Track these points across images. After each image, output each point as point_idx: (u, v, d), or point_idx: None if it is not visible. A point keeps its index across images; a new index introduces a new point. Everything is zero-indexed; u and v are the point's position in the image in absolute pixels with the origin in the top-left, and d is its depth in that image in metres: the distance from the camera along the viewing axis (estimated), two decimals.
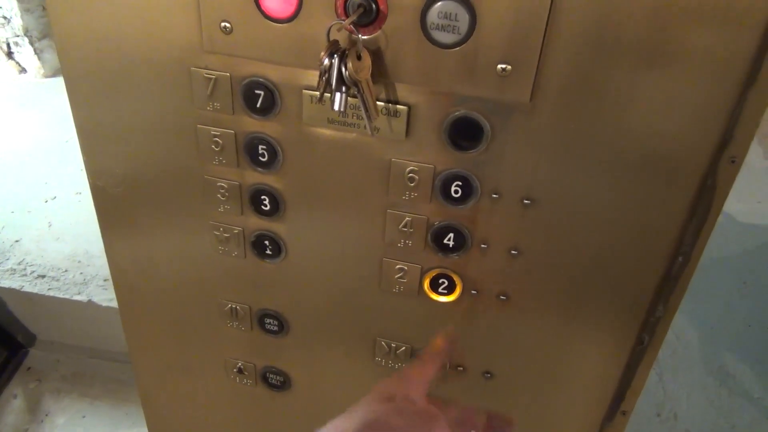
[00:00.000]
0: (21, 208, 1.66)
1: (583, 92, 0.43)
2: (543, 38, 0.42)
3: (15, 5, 2.00)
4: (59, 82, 2.19)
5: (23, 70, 2.20)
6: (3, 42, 2.12)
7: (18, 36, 2.09)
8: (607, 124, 0.44)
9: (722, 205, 0.45)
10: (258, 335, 0.65)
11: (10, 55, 2.15)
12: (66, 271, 1.50)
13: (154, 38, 0.50)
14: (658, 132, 0.44)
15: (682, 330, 1.55)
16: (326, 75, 0.44)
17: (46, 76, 2.19)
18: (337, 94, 0.44)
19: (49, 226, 1.62)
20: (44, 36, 2.14)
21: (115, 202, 0.60)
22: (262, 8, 0.46)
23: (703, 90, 0.41)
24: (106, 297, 1.43)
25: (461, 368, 0.60)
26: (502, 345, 0.57)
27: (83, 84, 0.54)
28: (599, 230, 0.49)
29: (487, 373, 0.60)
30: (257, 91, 0.50)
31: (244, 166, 0.54)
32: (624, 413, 0.58)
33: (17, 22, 2.05)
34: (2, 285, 1.46)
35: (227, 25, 0.47)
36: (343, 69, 0.43)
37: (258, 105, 0.50)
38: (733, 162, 0.44)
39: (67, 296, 1.43)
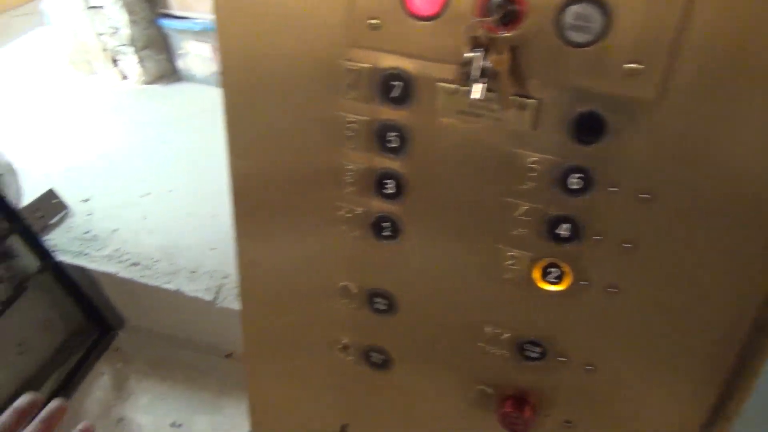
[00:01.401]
0: (119, 202, 1.80)
1: (711, 94, 0.46)
2: (674, 39, 0.45)
3: (124, 17, 2.18)
4: (158, 88, 2.36)
5: (125, 77, 2.37)
6: (110, 50, 2.31)
7: (124, 45, 2.27)
8: (732, 126, 0.47)
9: None
10: (366, 314, 0.69)
11: (115, 62, 2.34)
12: (157, 261, 1.60)
13: (305, 32, 0.56)
14: None
15: None
16: (467, 67, 0.49)
17: (146, 83, 2.36)
18: (477, 85, 0.48)
19: (144, 218, 1.74)
20: (146, 46, 2.31)
21: (251, 182, 0.66)
22: (409, 7, 0.51)
23: None
24: (192, 288, 1.52)
25: (563, 359, 0.62)
26: (608, 338, 0.59)
27: (237, 75, 0.61)
28: (716, 227, 0.51)
29: (590, 365, 0.62)
30: (395, 83, 0.55)
31: (373, 151, 0.59)
32: (728, 419, 0.59)
33: (124, 33, 2.23)
34: (100, 269, 1.57)
35: (375, 22, 0.53)
36: (485, 62, 0.48)
37: (394, 95, 0.56)
38: None
39: (157, 284, 1.53)
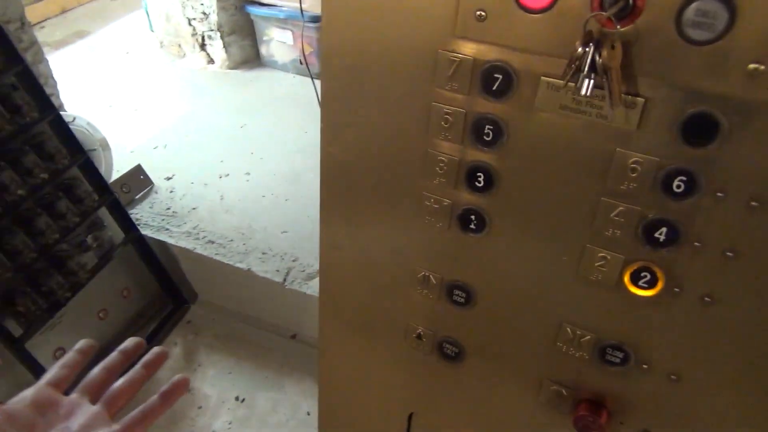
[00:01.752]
0: (199, 181, 1.87)
1: None
2: None
3: (214, 3, 2.26)
4: (240, 73, 2.44)
5: (211, 61, 2.47)
6: (199, 35, 2.40)
7: (212, 30, 2.36)
8: None
9: None
10: (443, 305, 0.70)
11: (203, 46, 2.43)
12: (232, 240, 1.66)
13: (410, 20, 0.57)
14: None
15: None
16: (577, 62, 0.48)
17: (230, 68, 2.45)
18: (587, 80, 0.47)
19: (221, 199, 1.81)
20: (233, 32, 2.39)
21: (341, 168, 0.68)
22: None
23: None
24: (262, 268, 1.57)
25: (646, 366, 0.61)
26: (697, 348, 0.57)
27: (338, 61, 0.62)
28: None
29: (674, 375, 0.60)
30: (496, 75, 0.55)
31: (467, 143, 0.60)
32: None
33: (213, 18, 2.32)
34: (178, 244, 1.65)
35: (482, 13, 0.53)
36: (597, 57, 0.47)
37: (494, 88, 0.56)
38: None
39: (231, 263, 1.59)
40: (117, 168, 1.80)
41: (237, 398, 1.55)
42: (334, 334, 0.81)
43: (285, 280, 1.53)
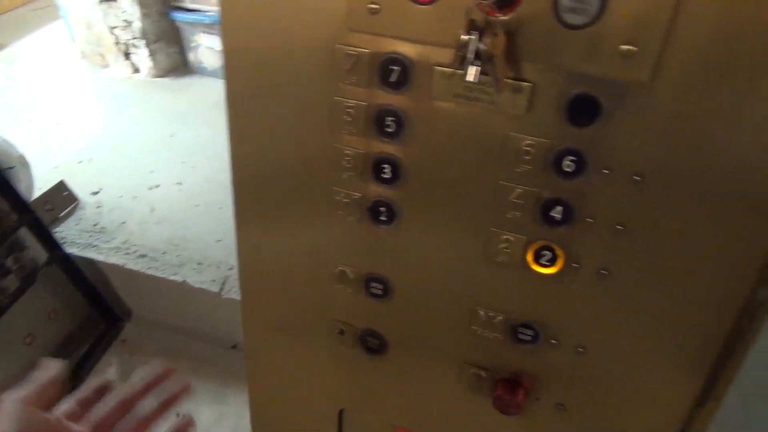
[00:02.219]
0: (128, 194, 1.82)
1: (705, 77, 0.47)
2: (670, 21, 0.46)
3: (137, 10, 2.20)
4: (168, 81, 2.39)
5: (137, 70, 2.40)
6: (123, 44, 2.33)
7: (136, 38, 2.30)
8: (723, 109, 0.47)
9: None
10: (362, 299, 0.70)
11: (127, 55, 2.36)
12: (164, 252, 1.62)
13: (305, 17, 0.57)
14: None
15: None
16: (463, 50, 0.50)
17: (156, 76, 2.39)
18: (472, 67, 0.49)
19: (152, 211, 1.76)
20: (158, 39, 2.34)
21: (252, 168, 0.68)
22: None
23: None
24: (198, 279, 1.53)
25: (555, 341, 0.63)
26: (599, 320, 0.60)
27: (239, 61, 0.62)
28: (707, 210, 0.51)
29: (581, 347, 0.62)
30: (393, 67, 0.56)
31: (371, 136, 0.60)
32: (716, 399, 0.59)
33: (137, 26, 2.26)
34: (107, 261, 1.59)
35: (375, 6, 0.54)
36: (480, 45, 0.49)
37: (392, 79, 0.57)
38: None
39: (164, 276, 1.55)
40: (39, 185, 1.73)
41: (178, 415, 1.51)
42: (258, 336, 0.81)
43: (222, 289, 1.51)
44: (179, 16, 2.24)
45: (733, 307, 0.54)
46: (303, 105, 0.62)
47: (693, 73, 0.47)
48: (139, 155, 2.00)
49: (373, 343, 0.73)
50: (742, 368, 0.56)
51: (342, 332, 0.74)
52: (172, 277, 1.54)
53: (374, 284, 0.69)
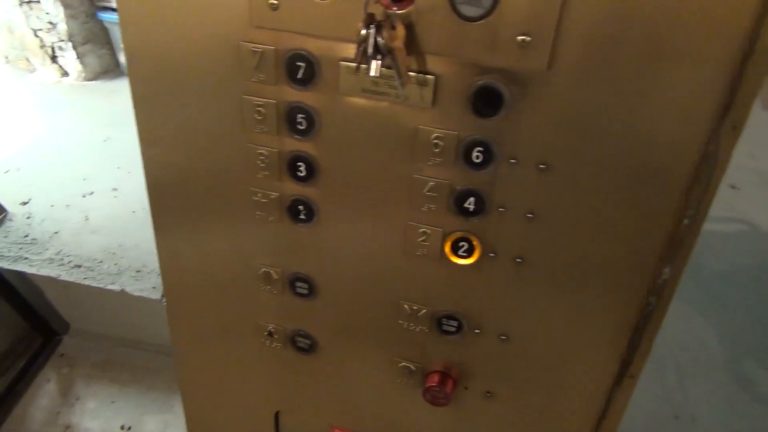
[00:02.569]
0: (60, 203, 1.75)
1: (598, 61, 0.48)
2: (560, 10, 0.46)
3: (61, 11, 2.11)
4: (100, 84, 2.30)
5: (65, 74, 2.31)
6: (48, 46, 2.24)
7: (62, 41, 2.20)
8: (618, 92, 0.48)
9: (724, 170, 0.49)
10: (288, 299, 0.69)
11: (54, 59, 2.27)
12: (101, 262, 1.57)
13: (207, 15, 0.56)
14: (666, 99, 0.48)
15: (704, 336, 1.56)
16: (363, 45, 0.49)
17: (87, 79, 2.30)
18: (373, 62, 0.49)
19: (86, 219, 1.70)
20: (87, 41, 2.25)
21: (164, 170, 0.66)
22: None
23: (708, 58, 0.45)
24: (138, 287, 1.49)
25: (478, 331, 0.64)
26: (517, 307, 0.61)
27: (143, 61, 0.60)
28: (610, 194, 0.52)
29: (503, 335, 0.63)
30: (299, 63, 0.55)
31: (283, 133, 0.59)
32: (632, 377, 0.61)
33: (62, 27, 2.16)
34: (40, 273, 1.53)
35: (274, 2, 0.53)
36: (379, 38, 0.48)
37: (299, 76, 0.56)
38: (733, 128, 0.47)
39: (101, 285, 1.49)
40: None
41: (122, 427, 1.47)
42: (187, 342, 0.79)
43: (163, 296, 1.47)
44: (107, 17, 2.16)
45: (641, 286, 0.56)
46: (212, 105, 0.60)
47: (587, 60, 0.48)
48: (71, 162, 1.92)
49: (303, 343, 0.72)
50: (653, 346, 0.58)
51: (271, 334, 0.73)
52: (109, 287, 1.49)
53: (299, 284, 0.68)
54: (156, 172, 0.66)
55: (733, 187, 1.92)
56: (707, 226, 0.52)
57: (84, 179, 1.84)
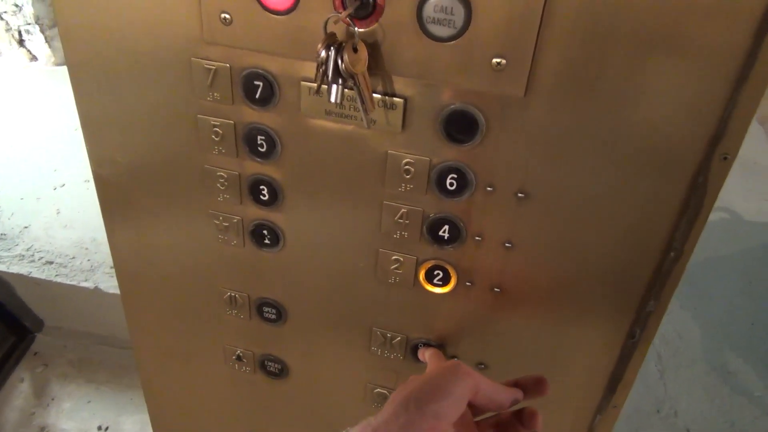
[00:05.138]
0: (30, 195, 1.69)
1: (578, 87, 0.44)
2: (538, 32, 0.42)
3: None
4: None
5: (34, 58, 2.21)
6: (15, 30, 2.14)
7: (29, 24, 2.11)
8: (600, 119, 0.45)
9: (713, 202, 0.46)
10: (257, 323, 0.66)
11: (21, 42, 2.17)
12: (74, 257, 1.52)
13: (155, 28, 0.50)
14: (651, 126, 0.44)
15: (685, 328, 1.55)
16: (323, 67, 0.45)
17: (57, 64, 2.21)
18: (334, 86, 0.44)
19: (58, 213, 1.64)
20: (55, 24, 2.15)
21: (118, 191, 0.61)
22: (261, 0, 0.46)
23: (696, 84, 0.42)
24: (112, 284, 1.44)
25: (456, 358, 0.61)
26: (496, 337, 0.58)
27: (87, 73, 0.55)
28: (592, 224, 0.49)
29: (481, 364, 0.60)
30: (256, 82, 0.51)
31: (243, 155, 0.55)
32: (615, 407, 0.59)
33: (28, 10, 2.07)
34: (11, 271, 1.48)
35: (227, 16, 0.48)
36: (339, 61, 0.44)
37: (257, 96, 0.51)
38: (725, 159, 0.44)
39: (74, 282, 1.45)
40: None
41: (100, 428, 1.44)
42: (154, 365, 0.75)
43: None
44: None
45: (625, 319, 0.53)
46: (168, 124, 0.55)
47: (567, 85, 0.44)
48: (42, 152, 1.85)
49: (274, 368, 0.69)
50: (636, 377, 0.55)
51: (239, 358, 0.70)
52: (83, 284, 1.45)
53: (267, 309, 0.64)
54: (110, 192, 0.62)
55: None
56: None
57: (55, 170, 1.77)
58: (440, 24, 0.44)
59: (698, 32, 0.39)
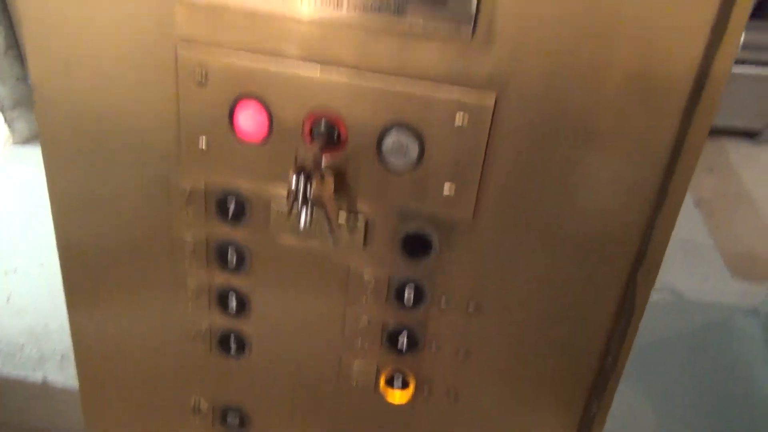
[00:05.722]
0: None
1: (521, 212, 0.49)
2: (482, 165, 0.48)
3: None
4: (28, 150, 2.21)
5: None
6: None
7: None
8: (542, 241, 0.50)
9: (640, 318, 0.51)
10: (218, 430, 0.66)
11: None
12: (22, 346, 1.47)
13: (134, 150, 0.54)
14: (585, 248, 0.49)
15: (636, 403, 1.59)
16: (294, 194, 0.49)
17: (17, 144, 2.21)
18: (303, 214, 0.49)
19: (8, 300, 1.60)
20: (17, 105, 2.17)
21: (84, 282, 0.63)
22: (236, 131, 0.51)
23: (631, 174, 0.46)
24: (62, 377, 1.40)
25: None
26: None
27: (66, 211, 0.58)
28: (539, 334, 0.54)
29: None
30: (229, 202, 0.54)
31: (213, 267, 0.58)
32: None
33: None
34: None
35: (203, 145, 0.52)
36: (308, 189, 0.48)
37: (229, 214, 0.55)
38: (648, 273, 0.49)
39: (19, 376, 1.40)
40: None
41: None
42: None
43: None
44: None
45: (572, 423, 0.57)
46: (136, 234, 0.58)
47: (512, 209, 0.50)
48: None
49: None
50: None
51: None
52: (30, 377, 1.40)
53: (231, 415, 0.65)
54: (76, 281, 0.63)
55: None
56: None
57: (7, 254, 1.74)
58: (398, 155, 0.49)
59: (629, 122, 0.44)
